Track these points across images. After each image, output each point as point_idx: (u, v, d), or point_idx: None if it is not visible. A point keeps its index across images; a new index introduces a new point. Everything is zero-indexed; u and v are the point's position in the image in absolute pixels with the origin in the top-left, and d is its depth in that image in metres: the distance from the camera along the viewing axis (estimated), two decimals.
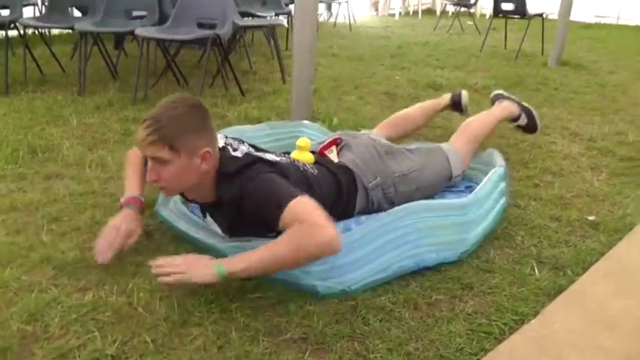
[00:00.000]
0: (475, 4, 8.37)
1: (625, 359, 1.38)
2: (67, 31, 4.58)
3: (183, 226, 1.83)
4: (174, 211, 1.90)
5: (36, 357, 1.31)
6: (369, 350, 1.36)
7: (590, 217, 2.12)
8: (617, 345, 1.41)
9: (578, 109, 3.73)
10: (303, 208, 1.47)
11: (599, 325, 1.49)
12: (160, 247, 1.78)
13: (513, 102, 2.64)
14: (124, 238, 1.66)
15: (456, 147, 2.22)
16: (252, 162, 1.60)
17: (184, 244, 1.78)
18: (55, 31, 5.47)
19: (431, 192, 2.06)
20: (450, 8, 8.93)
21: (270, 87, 4.02)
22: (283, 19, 4.90)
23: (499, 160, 2.21)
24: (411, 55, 5.67)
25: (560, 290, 1.63)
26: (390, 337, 1.41)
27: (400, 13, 10.06)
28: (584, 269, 1.75)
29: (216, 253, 1.58)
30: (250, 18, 4.76)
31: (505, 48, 6.14)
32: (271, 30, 4.67)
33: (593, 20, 9.17)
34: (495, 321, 1.48)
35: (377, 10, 10.47)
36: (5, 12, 4.15)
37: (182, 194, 1.79)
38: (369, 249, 1.60)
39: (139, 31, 3.56)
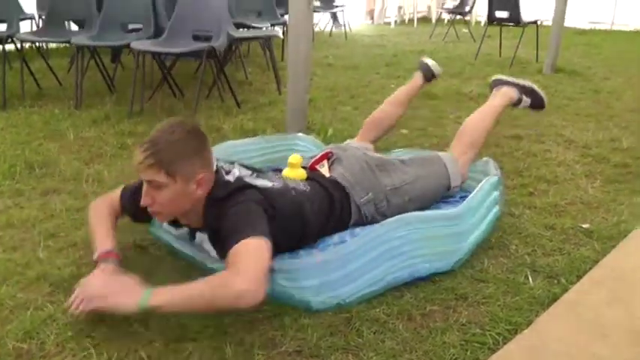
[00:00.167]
0: (470, 11, 8.43)
1: None
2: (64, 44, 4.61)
3: (177, 243, 1.82)
4: (167, 229, 1.90)
5: None
6: None
7: (585, 225, 2.13)
8: (611, 353, 1.42)
9: (572, 116, 3.75)
10: (250, 251, 1.41)
11: (593, 334, 1.50)
12: (155, 263, 1.79)
13: (512, 86, 2.49)
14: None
15: (456, 155, 2.19)
16: (242, 187, 1.60)
17: (179, 259, 1.79)
18: (52, 45, 5.50)
19: (427, 202, 2.05)
20: (446, 16, 8.98)
21: (265, 98, 4.04)
22: (279, 30, 4.93)
23: (493, 169, 2.22)
24: (406, 63, 5.70)
25: (554, 299, 1.64)
26: (384, 348, 1.41)
27: (396, 22, 10.12)
28: (578, 277, 1.76)
29: (209, 271, 1.58)
30: (246, 29, 4.79)
31: (500, 55, 6.18)
32: (267, 41, 4.70)
33: (587, 26, 9.23)
34: (489, 331, 1.48)
35: (372, 18, 10.53)
36: (2, 26, 4.17)
37: (173, 220, 1.74)
38: (362, 261, 1.60)
39: (135, 45, 3.58)
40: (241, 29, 4.64)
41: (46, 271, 1.71)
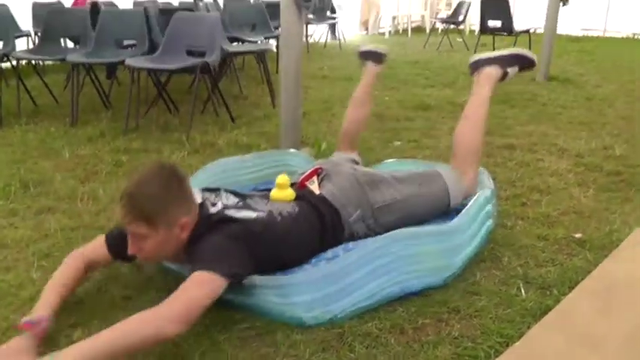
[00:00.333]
0: (464, 21, 8.49)
1: None
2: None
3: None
4: None
5: None
6: None
7: (577, 235, 2.13)
8: None
9: (565, 124, 3.78)
10: (200, 288, 1.42)
11: (585, 345, 1.50)
12: (148, 280, 1.80)
13: (492, 64, 2.26)
14: None
15: (460, 171, 2.13)
16: (222, 221, 1.62)
17: (172, 276, 1.79)
18: (48, 61, 5.53)
19: (421, 219, 2.00)
20: (440, 26, 9.04)
21: (260, 111, 4.07)
22: (272, 44, 4.97)
23: (487, 181, 2.23)
24: (400, 74, 5.74)
25: (547, 310, 1.64)
26: None
27: (390, 32, 10.17)
28: (571, 288, 1.76)
29: None
30: (240, 43, 4.83)
31: None
32: (261, 54, 4.73)
33: (580, 33, 9.30)
34: (481, 344, 1.49)
35: (367, 29, 10.59)
36: None
37: None
38: (355, 277, 1.61)
39: (130, 61, 3.61)
40: (235, 43, 4.68)
41: (39, 292, 1.70)
